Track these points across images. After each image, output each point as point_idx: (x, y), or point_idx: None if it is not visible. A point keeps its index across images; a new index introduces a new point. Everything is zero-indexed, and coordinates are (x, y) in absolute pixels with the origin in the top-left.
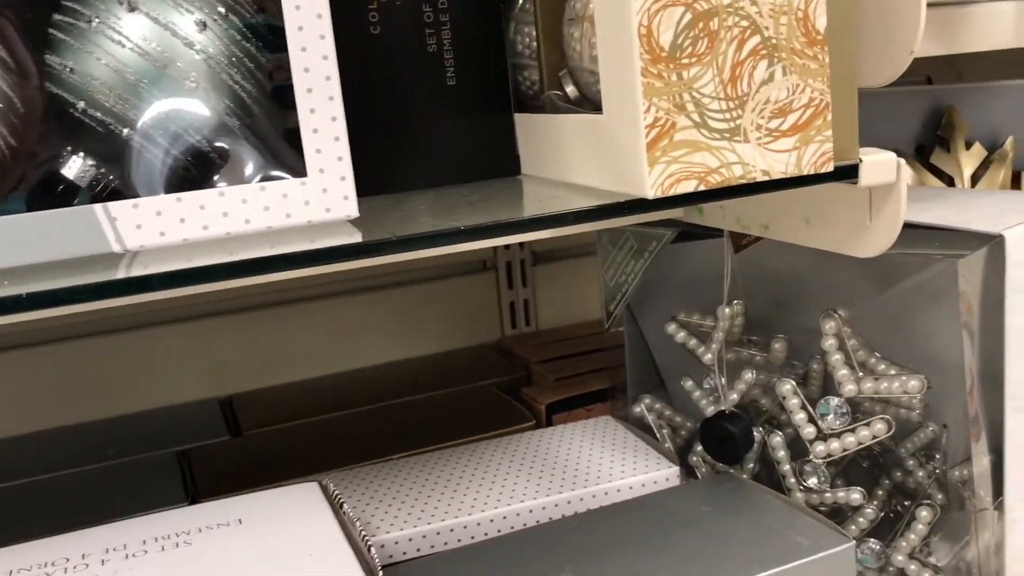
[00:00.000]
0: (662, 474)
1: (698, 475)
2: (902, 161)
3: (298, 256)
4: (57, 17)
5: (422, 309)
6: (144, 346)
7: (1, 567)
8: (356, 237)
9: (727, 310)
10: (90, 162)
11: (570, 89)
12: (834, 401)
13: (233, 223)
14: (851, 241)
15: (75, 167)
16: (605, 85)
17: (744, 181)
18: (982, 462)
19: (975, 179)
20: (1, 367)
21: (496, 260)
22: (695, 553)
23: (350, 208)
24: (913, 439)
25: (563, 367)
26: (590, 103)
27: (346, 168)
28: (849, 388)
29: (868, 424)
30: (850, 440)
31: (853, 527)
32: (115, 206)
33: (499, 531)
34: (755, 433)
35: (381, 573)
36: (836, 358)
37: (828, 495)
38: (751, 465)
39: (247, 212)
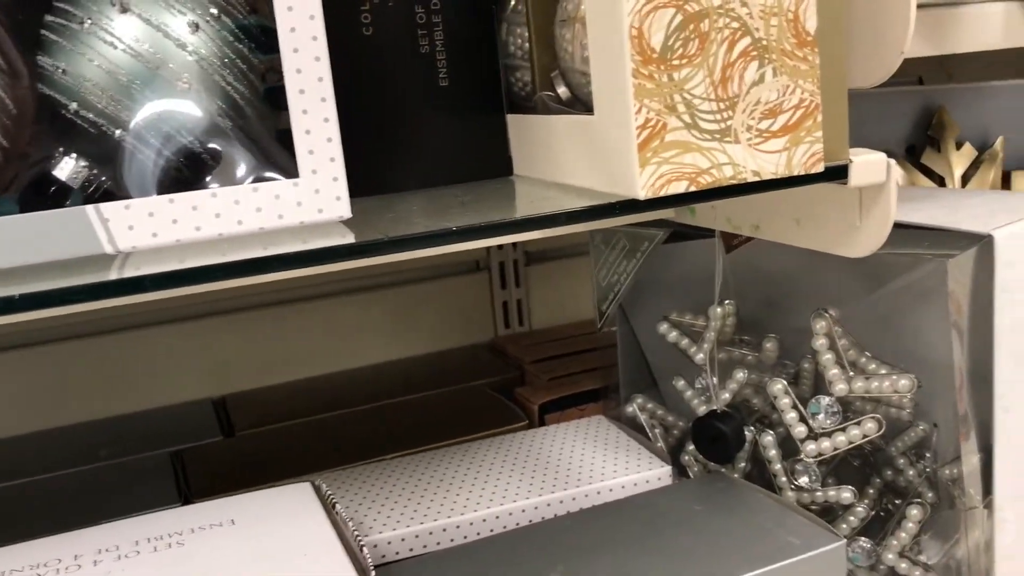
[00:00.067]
0: (654, 473)
1: (690, 474)
2: (892, 162)
3: (291, 257)
4: (49, 18)
5: (415, 309)
6: (138, 347)
7: None
8: (349, 238)
9: (719, 310)
10: (82, 163)
11: (562, 90)
12: (825, 400)
13: (226, 224)
14: (841, 241)
15: (67, 168)
16: (596, 86)
17: (734, 182)
18: (972, 461)
19: (965, 179)
20: None
21: (489, 260)
22: (687, 552)
23: (343, 209)
24: (904, 438)
25: (556, 367)
26: (582, 104)
27: (339, 169)
28: (840, 387)
29: (859, 423)
30: (841, 439)
31: (844, 526)
32: (107, 207)
33: (491, 531)
34: (746, 432)
35: (374, 573)
36: (827, 358)
37: (819, 494)
38: (743, 464)
39: (240, 213)
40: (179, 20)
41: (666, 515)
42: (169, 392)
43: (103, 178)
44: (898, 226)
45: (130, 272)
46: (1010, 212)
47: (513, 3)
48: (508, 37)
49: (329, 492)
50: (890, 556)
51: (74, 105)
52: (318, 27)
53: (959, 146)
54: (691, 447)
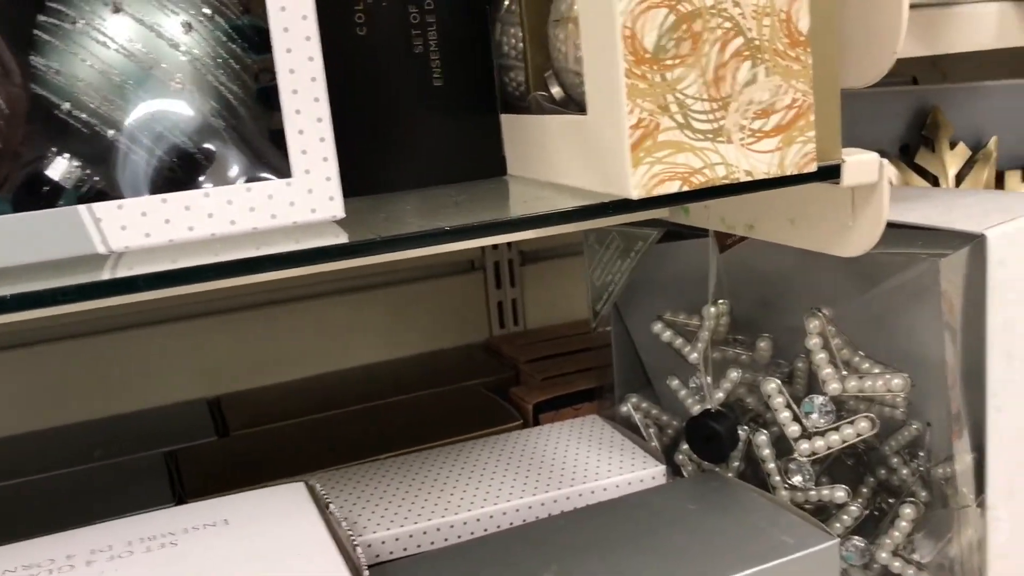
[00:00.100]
0: (648, 473)
1: (684, 474)
2: (884, 161)
3: (283, 257)
4: (41, 18)
5: (410, 309)
6: (132, 347)
7: None
8: (342, 238)
9: (712, 309)
10: (75, 163)
11: (555, 90)
12: (818, 400)
13: (218, 224)
14: (834, 241)
15: (60, 168)
16: (589, 86)
17: (727, 181)
18: (965, 460)
19: (959, 179)
20: None
21: (484, 260)
22: (680, 551)
23: (336, 209)
24: (897, 437)
25: (550, 367)
26: (576, 104)
27: (332, 169)
28: (833, 387)
29: (852, 422)
30: (834, 438)
31: (838, 525)
32: (100, 207)
33: (485, 530)
34: (740, 431)
35: (367, 573)
36: (820, 357)
37: (813, 493)
38: (737, 463)
39: (232, 213)
40: (172, 20)
41: (660, 514)
42: (163, 392)
43: (96, 178)
44: (891, 225)
45: (123, 272)
46: (1003, 212)
47: (507, 3)
48: (502, 37)
49: (323, 492)
50: (884, 555)
51: (67, 105)
52: (311, 27)
53: (953, 146)
54: (685, 446)
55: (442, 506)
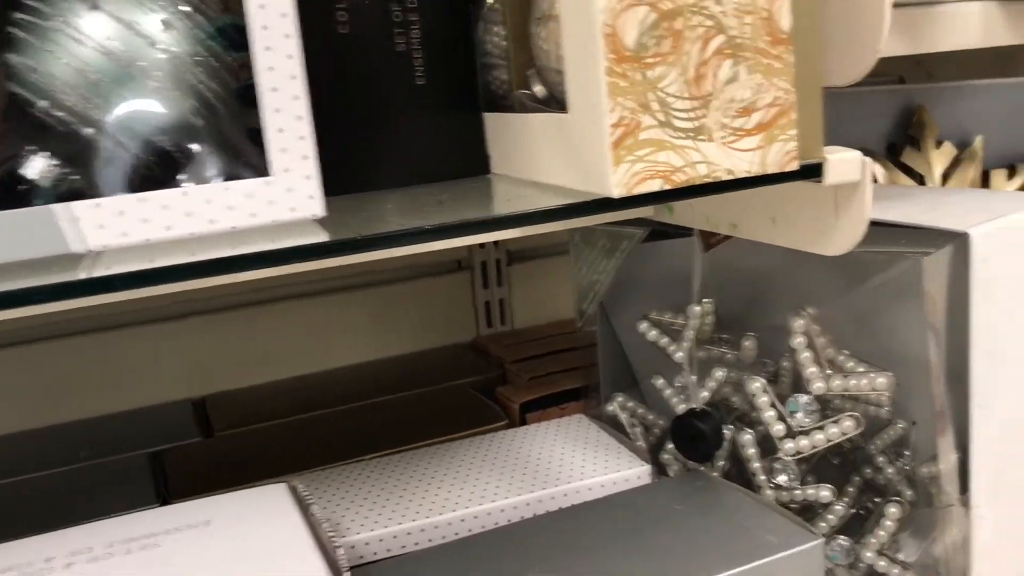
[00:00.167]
0: (633, 472)
1: (670, 473)
2: (867, 159)
3: (262, 256)
4: (18, 16)
5: (397, 309)
6: (116, 348)
7: None
8: (321, 237)
9: (697, 308)
10: (52, 162)
11: (538, 88)
12: (803, 399)
13: (197, 223)
14: (817, 239)
15: (37, 167)
16: (570, 84)
17: (709, 180)
18: (949, 458)
19: (945, 178)
20: None
21: (472, 260)
22: (665, 551)
23: (316, 207)
24: (883, 436)
25: (537, 366)
26: (558, 103)
27: (312, 167)
28: (818, 386)
29: (837, 421)
30: (819, 437)
31: (823, 524)
32: (77, 206)
33: (470, 531)
34: (725, 431)
35: (348, 574)
36: (805, 356)
37: (798, 492)
38: (722, 463)
39: (211, 212)
40: (150, 18)
41: (645, 514)
42: (147, 393)
43: (73, 177)
44: (875, 224)
45: (99, 271)
46: (987, 211)
47: (490, 1)
48: (485, 35)
49: (305, 493)
50: (869, 554)
51: (44, 103)
52: (291, 24)
53: (939, 145)
54: (671, 446)
55: (427, 506)
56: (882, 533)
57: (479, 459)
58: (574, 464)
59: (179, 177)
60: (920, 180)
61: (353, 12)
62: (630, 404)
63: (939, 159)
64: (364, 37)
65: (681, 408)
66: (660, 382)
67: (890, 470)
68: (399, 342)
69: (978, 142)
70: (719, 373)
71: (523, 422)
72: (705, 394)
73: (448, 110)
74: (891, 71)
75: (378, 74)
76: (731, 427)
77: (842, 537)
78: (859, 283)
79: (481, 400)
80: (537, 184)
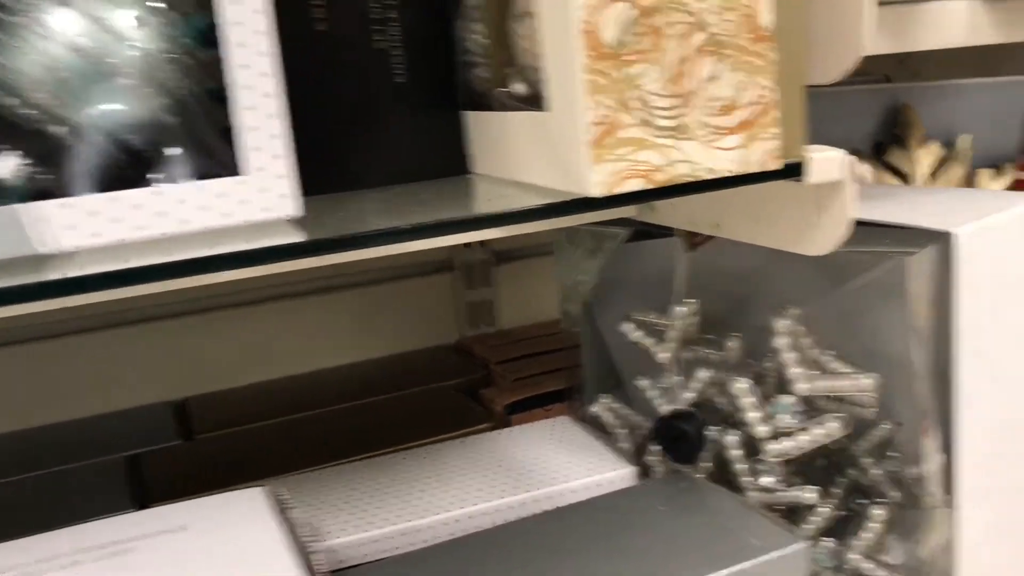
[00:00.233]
0: (618, 474)
1: (654, 475)
2: (850, 158)
3: (236, 256)
4: None
5: (382, 310)
6: (96, 350)
7: None
8: (297, 237)
9: (681, 309)
10: (22, 161)
11: (518, 86)
12: (788, 400)
13: (170, 223)
14: (800, 239)
15: (7, 166)
16: (549, 82)
17: (690, 179)
18: (934, 459)
19: (931, 177)
20: None
21: (456, 260)
22: (648, 553)
23: (291, 207)
24: (868, 437)
25: (522, 367)
26: (539, 101)
27: (286, 166)
28: (801, 387)
29: (821, 422)
30: (804, 439)
31: (808, 526)
32: (47, 205)
33: (453, 534)
34: (709, 432)
35: None
36: (789, 356)
37: (782, 494)
38: (707, 464)
39: (184, 212)
40: (122, 14)
41: (628, 516)
42: (126, 396)
43: (44, 176)
44: (859, 224)
45: (71, 272)
46: (971, 210)
47: None
48: (465, 32)
49: (284, 496)
50: (854, 556)
51: (13, 101)
52: (264, 21)
53: (925, 144)
54: (655, 447)
55: (409, 510)
56: (867, 535)
57: (463, 461)
58: (558, 466)
59: (151, 176)
60: (906, 179)
61: (331, 9)
62: (615, 405)
63: (925, 158)
64: (342, 34)
65: (665, 409)
66: (644, 383)
67: (875, 471)
68: (383, 343)
69: (964, 141)
70: (703, 374)
71: (507, 424)
72: (689, 395)
73: (428, 108)
74: (877, 70)
75: (356, 72)
76: (715, 428)
77: (828, 539)
78: (843, 283)
79: (465, 402)
80: (518, 183)
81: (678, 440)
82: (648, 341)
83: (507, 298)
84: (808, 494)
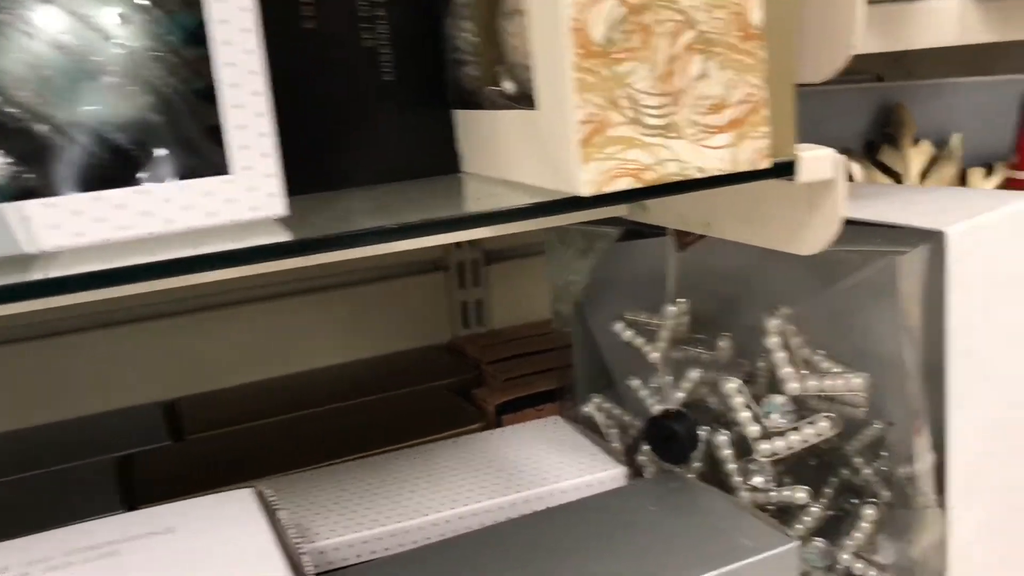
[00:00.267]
0: (609, 474)
1: (646, 475)
2: (840, 157)
3: (222, 256)
4: None
5: (373, 310)
6: (86, 350)
7: None
8: (284, 236)
9: (672, 308)
10: (6, 160)
11: (508, 84)
12: (779, 399)
13: (155, 222)
14: (791, 238)
15: None
16: (538, 80)
17: (679, 178)
18: (926, 459)
19: (923, 176)
20: None
21: (449, 260)
22: (639, 553)
23: (277, 206)
24: (859, 437)
25: (513, 367)
26: (528, 99)
27: (273, 165)
28: (792, 386)
29: (812, 422)
30: (794, 438)
31: (800, 526)
32: (30, 205)
33: (443, 535)
34: (700, 432)
35: None
36: (780, 356)
37: (773, 494)
38: (698, 464)
39: (169, 211)
40: (106, 11)
41: (619, 516)
42: (117, 396)
43: (27, 175)
44: (850, 223)
45: (54, 272)
46: (963, 209)
47: None
48: (454, 30)
49: (273, 497)
50: (845, 556)
51: None
52: (251, 19)
53: (917, 143)
54: (646, 447)
55: (400, 510)
56: (859, 535)
57: (454, 462)
58: (550, 466)
59: (137, 175)
60: (898, 178)
61: (319, 6)
62: (606, 405)
63: (917, 157)
64: (330, 32)
65: (656, 409)
66: (635, 383)
67: (867, 471)
68: (374, 343)
69: (956, 140)
70: (694, 374)
71: (499, 424)
72: (680, 395)
73: (417, 107)
74: (869, 69)
75: (345, 70)
76: (707, 428)
77: (819, 539)
78: (834, 283)
79: (457, 402)
80: (508, 182)
81: (669, 440)
82: (639, 341)
83: (498, 298)
84: (799, 494)
